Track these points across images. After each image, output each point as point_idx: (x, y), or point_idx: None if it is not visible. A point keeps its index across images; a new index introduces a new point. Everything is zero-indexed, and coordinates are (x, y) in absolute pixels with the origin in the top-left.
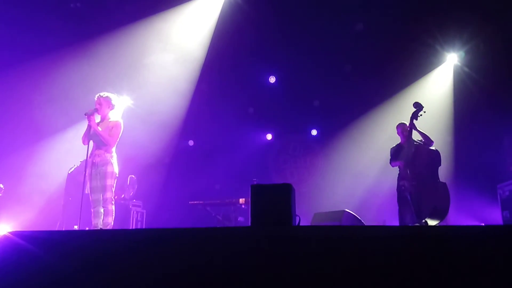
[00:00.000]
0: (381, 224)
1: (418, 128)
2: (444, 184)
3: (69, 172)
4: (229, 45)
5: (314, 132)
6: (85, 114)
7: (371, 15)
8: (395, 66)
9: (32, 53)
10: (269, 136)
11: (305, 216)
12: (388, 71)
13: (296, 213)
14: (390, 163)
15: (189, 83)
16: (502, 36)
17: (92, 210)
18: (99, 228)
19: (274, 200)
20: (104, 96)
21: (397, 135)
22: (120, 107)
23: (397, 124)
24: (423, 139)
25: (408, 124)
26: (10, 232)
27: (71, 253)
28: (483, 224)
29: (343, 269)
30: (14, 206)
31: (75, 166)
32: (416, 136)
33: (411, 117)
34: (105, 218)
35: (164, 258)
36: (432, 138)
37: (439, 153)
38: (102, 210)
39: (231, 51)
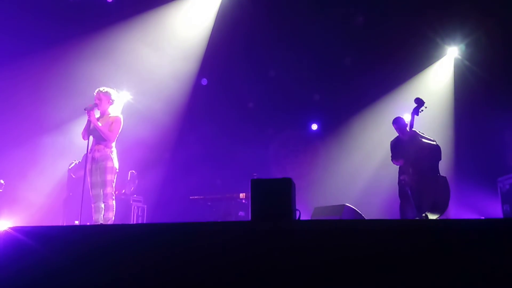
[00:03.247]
0: (381, 218)
1: (419, 132)
2: (445, 178)
3: (70, 167)
4: (228, 39)
5: (314, 127)
6: (85, 109)
7: (371, 8)
8: (396, 59)
9: (31, 49)
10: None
11: (305, 210)
12: (389, 65)
13: (297, 207)
14: (392, 160)
15: (189, 78)
16: (503, 29)
17: (92, 205)
18: (99, 223)
19: (275, 195)
20: (103, 91)
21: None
22: (120, 102)
23: (393, 119)
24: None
25: (404, 118)
26: (11, 228)
27: (72, 248)
28: (483, 218)
29: (343, 262)
30: (15, 201)
31: (75, 162)
32: (420, 129)
33: (412, 113)
34: (105, 213)
35: (165, 253)
36: (431, 138)
37: (440, 148)
38: (102, 205)
39: (230, 45)
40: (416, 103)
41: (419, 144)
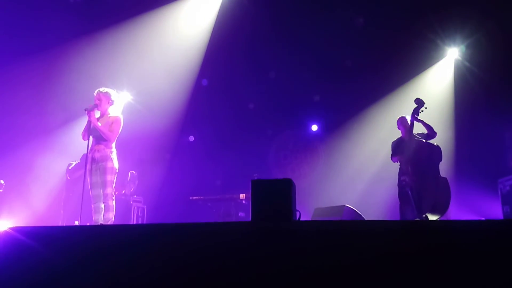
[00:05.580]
0: (381, 219)
1: (422, 119)
2: (445, 179)
3: (69, 168)
4: (229, 40)
5: (314, 128)
6: (85, 110)
7: (372, 9)
8: (396, 60)
9: (31, 49)
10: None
11: (305, 211)
12: (389, 66)
13: (297, 208)
14: (391, 158)
15: (189, 79)
16: (503, 31)
17: (92, 206)
18: (99, 224)
19: (275, 195)
20: (103, 91)
21: (398, 129)
22: (120, 102)
23: (397, 117)
24: (427, 130)
25: (409, 118)
26: (10, 228)
27: (71, 249)
28: (484, 219)
29: (343, 263)
30: (15, 202)
31: (75, 162)
32: (417, 130)
33: (412, 113)
34: (105, 214)
35: (165, 254)
36: (435, 130)
37: (440, 148)
38: (102, 205)
39: (231, 46)
40: (416, 103)
41: (419, 144)
